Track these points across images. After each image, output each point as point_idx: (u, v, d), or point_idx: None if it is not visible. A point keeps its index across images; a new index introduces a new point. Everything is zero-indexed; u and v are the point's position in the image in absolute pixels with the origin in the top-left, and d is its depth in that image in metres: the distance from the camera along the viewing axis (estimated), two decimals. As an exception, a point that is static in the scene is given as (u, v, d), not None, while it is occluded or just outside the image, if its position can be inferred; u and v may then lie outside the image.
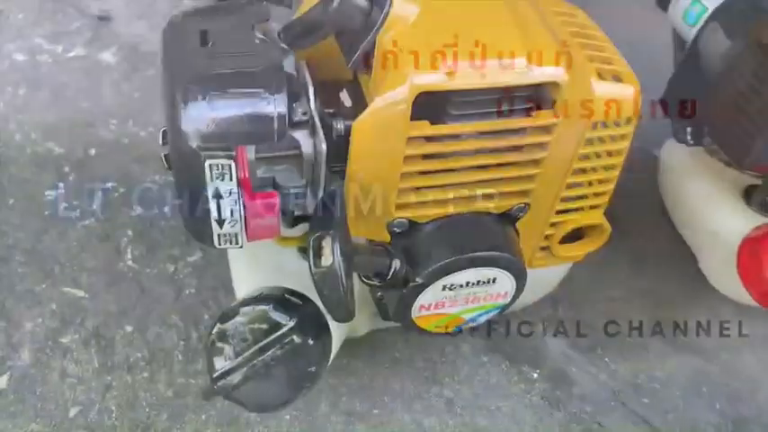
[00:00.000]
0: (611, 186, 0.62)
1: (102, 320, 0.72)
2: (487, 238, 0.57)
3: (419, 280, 0.55)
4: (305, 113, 0.53)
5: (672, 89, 0.73)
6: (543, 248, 0.66)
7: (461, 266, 0.55)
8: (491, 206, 0.57)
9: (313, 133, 0.53)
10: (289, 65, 0.57)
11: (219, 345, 0.53)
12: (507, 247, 0.57)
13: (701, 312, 0.81)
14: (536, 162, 0.56)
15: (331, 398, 0.70)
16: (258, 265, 0.65)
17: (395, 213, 0.55)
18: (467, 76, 0.49)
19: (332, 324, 0.63)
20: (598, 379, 0.75)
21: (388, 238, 0.57)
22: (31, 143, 0.88)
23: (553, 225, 0.64)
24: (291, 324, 0.52)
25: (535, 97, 0.53)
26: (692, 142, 0.72)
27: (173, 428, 0.65)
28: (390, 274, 0.55)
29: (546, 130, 0.54)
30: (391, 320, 0.69)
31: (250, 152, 0.53)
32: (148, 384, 0.68)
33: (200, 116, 0.47)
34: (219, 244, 0.52)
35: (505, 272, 0.58)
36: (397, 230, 0.56)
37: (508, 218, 0.59)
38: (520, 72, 0.50)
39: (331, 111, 0.55)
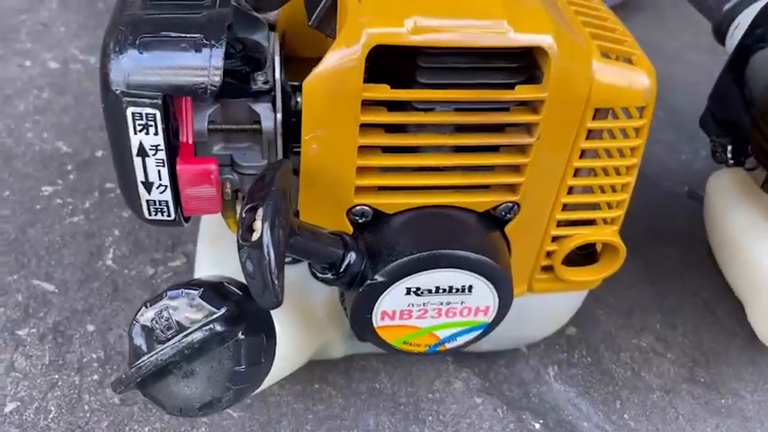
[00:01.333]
0: (624, 196, 0.53)
1: (65, 317, 0.67)
2: (461, 235, 0.49)
3: (378, 278, 0.47)
4: (266, 83, 0.48)
5: (713, 104, 0.64)
6: (545, 269, 0.57)
7: (427, 265, 0.47)
8: (471, 201, 0.49)
9: (275, 107, 0.48)
10: (261, 36, 0.53)
11: (142, 332, 0.47)
12: (486, 250, 0.49)
13: (744, 371, 0.68)
14: (522, 150, 0.48)
15: (293, 424, 0.61)
16: (220, 259, 0.59)
17: (354, 199, 0.48)
18: (435, 33, 0.42)
19: (289, 333, 0.55)
20: (613, 438, 0.63)
21: (350, 228, 0.50)
22: (40, 141, 0.87)
23: (555, 240, 0.55)
24: (219, 313, 0.45)
25: (521, 72, 0.46)
26: (731, 162, 0.62)
27: (110, 437, 0.59)
28: (344, 267, 0.47)
29: (531, 108, 0.46)
30: (366, 340, 0.61)
31: (201, 121, 0.48)
32: (96, 388, 0.62)
33: (129, 62, 0.42)
34: (150, 213, 0.47)
35: (483, 280, 0.49)
36: (360, 220, 0.49)
37: (493, 219, 0.51)
38: (498, 33, 0.43)
39: (297, 83, 0.49)
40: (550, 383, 0.67)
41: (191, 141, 0.46)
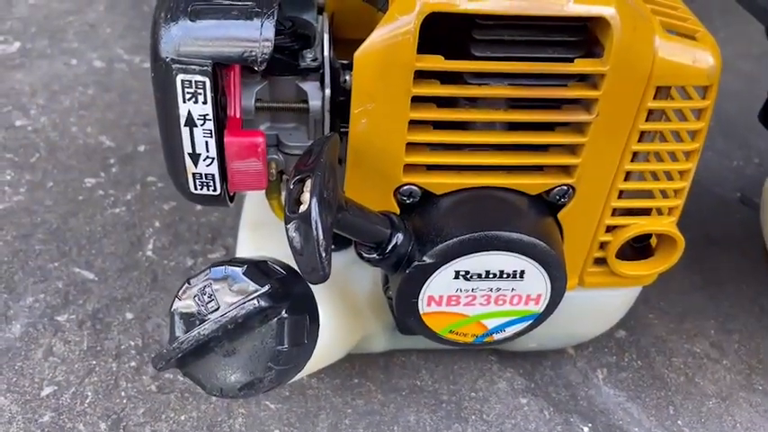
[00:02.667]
0: (684, 184, 0.51)
1: (104, 304, 0.67)
2: (514, 218, 0.47)
3: (426, 259, 0.46)
4: (315, 60, 0.47)
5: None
6: (598, 261, 0.55)
7: (477, 247, 0.45)
8: (523, 182, 0.47)
9: (323, 85, 0.47)
10: (310, 16, 0.52)
11: (184, 309, 0.45)
12: (539, 233, 0.47)
13: (808, 379, 0.65)
14: (579, 129, 0.46)
15: (332, 418, 0.59)
16: (262, 245, 0.58)
17: (402, 177, 0.47)
18: (491, 1, 0.41)
19: (331, 320, 0.54)
20: (667, 445, 0.60)
21: (397, 210, 0.48)
22: (84, 135, 0.88)
23: (610, 230, 0.53)
24: (263, 289, 0.44)
25: (580, 46, 0.44)
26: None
27: (146, 425, 0.57)
28: (390, 247, 0.45)
29: (591, 83, 0.44)
30: (410, 332, 0.59)
31: (249, 98, 0.47)
32: (133, 375, 0.61)
33: (180, 29, 0.41)
34: (195, 187, 0.46)
35: (536, 264, 0.47)
36: (407, 201, 0.48)
37: (547, 203, 0.49)
38: (557, 2, 0.41)
39: (346, 62, 0.48)
40: (599, 387, 0.64)
41: (238, 115, 0.45)
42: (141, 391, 0.60)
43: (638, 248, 0.57)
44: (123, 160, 0.84)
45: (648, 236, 0.55)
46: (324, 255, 0.39)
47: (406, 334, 0.60)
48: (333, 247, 0.58)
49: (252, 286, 0.44)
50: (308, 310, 0.46)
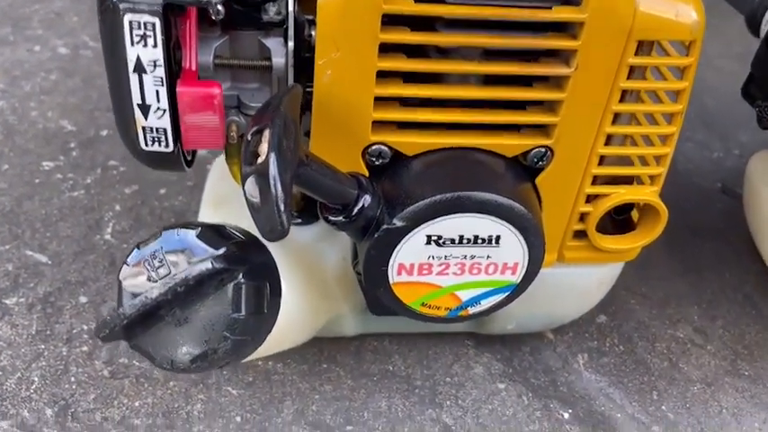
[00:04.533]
0: (667, 150, 0.48)
1: (56, 288, 0.63)
2: (489, 179, 0.44)
3: (396, 222, 0.43)
4: (279, 14, 0.44)
5: (756, 68, 0.59)
6: (578, 235, 0.52)
7: (449, 208, 0.42)
8: (499, 143, 0.45)
9: (286, 39, 0.44)
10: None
11: (133, 275, 0.42)
12: (516, 197, 0.44)
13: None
14: (558, 84, 0.43)
15: (298, 404, 0.56)
16: (225, 219, 0.54)
17: (371, 136, 0.44)
18: (463, -58, 0.39)
19: (296, 295, 0.50)
20: (650, 431, 0.57)
21: (366, 171, 0.45)
22: (44, 120, 0.84)
23: (590, 201, 0.50)
24: (217, 253, 0.40)
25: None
26: (781, 125, 0.57)
27: (96, 411, 0.53)
28: (357, 209, 0.42)
29: (570, 34, 0.42)
30: (381, 311, 0.56)
31: (207, 54, 0.44)
32: (84, 359, 0.57)
33: (130, -34, 0.39)
34: (145, 143, 0.43)
35: (512, 229, 0.44)
36: (377, 162, 0.45)
37: (524, 168, 0.46)
38: (534, -57, 0.39)
39: (311, 17, 0.45)
40: (580, 372, 0.61)
41: (194, 67, 0.42)
42: (93, 376, 0.56)
43: (619, 223, 0.55)
44: (84, 144, 0.81)
45: (630, 207, 0.53)
46: (282, 209, 0.36)
47: (378, 314, 0.57)
48: (299, 220, 0.55)
49: (206, 249, 0.41)
50: (269, 279, 0.43)
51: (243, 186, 0.37)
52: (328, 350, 0.60)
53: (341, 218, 0.43)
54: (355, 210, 0.42)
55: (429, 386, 0.58)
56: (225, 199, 0.57)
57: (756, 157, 0.69)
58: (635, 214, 0.55)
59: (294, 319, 0.51)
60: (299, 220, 0.54)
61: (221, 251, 0.40)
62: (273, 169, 0.35)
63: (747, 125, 0.99)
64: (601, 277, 0.57)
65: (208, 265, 0.39)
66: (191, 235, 0.41)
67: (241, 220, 0.51)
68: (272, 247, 0.48)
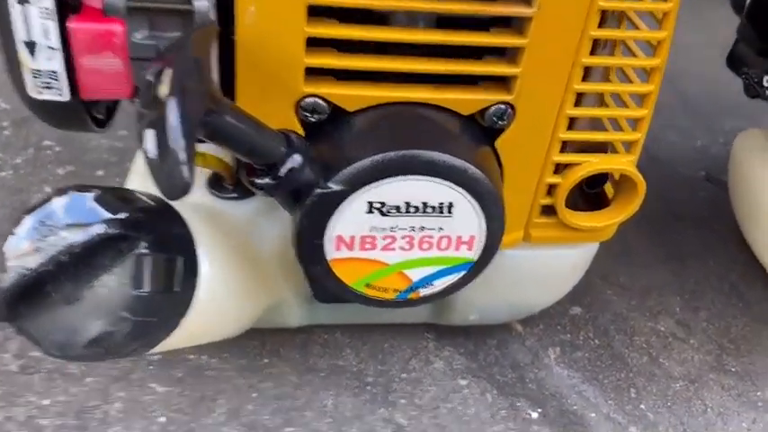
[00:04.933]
0: (645, 112, 0.43)
1: (-31, 274, 0.56)
2: (441, 138, 0.38)
3: (331, 185, 0.37)
4: (200, -51, 0.38)
5: (745, 32, 0.54)
6: (546, 211, 0.46)
7: (395, 169, 0.37)
8: (454, 98, 0.39)
9: (210, -19, 0.38)
10: None
11: (19, 245, 0.36)
12: (471, 159, 0.38)
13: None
14: (519, 27, 0.38)
15: (232, 403, 0.49)
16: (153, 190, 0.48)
17: (304, 87, 0.38)
18: None
19: (225, 275, 0.44)
20: (628, 433, 0.51)
21: (300, 129, 0.39)
22: (-24, 97, 0.78)
23: (559, 171, 0.45)
24: (112, 217, 0.34)
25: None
26: (769, 92, 0.52)
27: (-1, 410, 0.47)
28: (285, 170, 0.36)
29: (531, -35, 0.36)
30: (328, 298, 0.50)
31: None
32: (-8, 352, 0.50)
33: None
34: (36, 90, 0.36)
35: (467, 196, 0.38)
36: (312, 118, 0.39)
37: (481, 128, 0.40)
38: None
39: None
40: (550, 367, 0.55)
41: (98, 5, 0.36)
42: (-1, 371, 0.49)
43: (592, 199, 0.49)
44: (18, 123, 0.74)
45: (602, 180, 0.47)
46: (183, 160, 0.30)
47: (324, 302, 0.51)
48: (234, 195, 0.49)
49: (101, 213, 0.34)
50: (183, 254, 0.37)
51: (139, 134, 0.31)
52: (271, 343, 0.54)
53: (267, 180, 0.37)
54: (283, 170, 0.36)
55: (382, 383, 0.52)
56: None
57: (742, 135, 0.64)
58: (609, 189, 0.49)
59: (225, 305, 0.44)
60: (234, 195, 0.48)
61: (119, 216, 0.34)
62: (174, 114, 0.29)
63: (732, 113, 0.95)
64: (573, 260, 0.51)
65: (99, 229, 0.33)
66: (87, 198, 0.35)
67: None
68: (198, 221, 0.42)
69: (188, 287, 0.38)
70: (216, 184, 0.48)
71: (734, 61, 0.55)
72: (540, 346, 0.57)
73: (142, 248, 0.34)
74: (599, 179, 0.47)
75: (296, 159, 0.36)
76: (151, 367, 0.51)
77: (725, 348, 0.58)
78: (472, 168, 0.37)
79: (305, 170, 0.37)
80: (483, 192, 0.38)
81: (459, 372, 0.53)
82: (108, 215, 0.34)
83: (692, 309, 0.62)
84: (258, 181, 0.37)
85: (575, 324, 0.59)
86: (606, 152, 0.46)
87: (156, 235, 0.35)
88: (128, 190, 0.37)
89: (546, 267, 0.51)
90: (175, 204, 0.39)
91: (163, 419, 0.47)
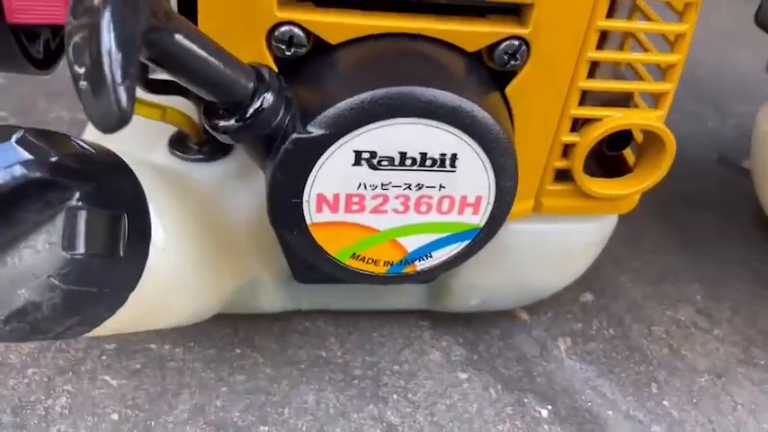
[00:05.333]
0: (677, 58, 0.37)
1: None
2: (442, 74, 0.32)
3: (311, 130, 0.31)
4: None
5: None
6: (560, 176, 0.40)
7: (387, 110, 0.30)
8: (458, 30, 0.33)
9: None
10: None
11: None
12: (479, 99, 0.32)
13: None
14: (536, -58, 0.32)
15: (197, 398, 0.43)
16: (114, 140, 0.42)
17: (278, 12, 0.31)
18: None
19: (191, 252, 0.38)
20: (650, 433, 0.45)
21: (273, 65, 0.33)
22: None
23: (576, 128, 0.39)
24: (41, 159, 0.28)
25: None
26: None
27: None
28: (254, 110, 0.30)
29: None
30: (309, 278, 0.44)
31: None
32: None
33: None
34: (-52, 9, 0.30)
35: (474, 146, 0.32)
36: (288, 53, 0.32)
37: (489, 70, 0.34)
38: None
39: None
40: (561, 360, 0.49)
41: None
42: (-73, 361, 0.42)
43: (609, 164, 0.43)
44: (-31, 94, 0.68)
45: (626, 140, 0.41)
46: (119, 80, 0.23)
47: (306, 282, 0.45)
48: (200, 156, 0.42)
49: (22, 155, 0.28)
50: (130, 212, 0.31)
51: (66, 49, 0.24)
52: (245, 331, 0.47)
53: (231, 122, 0.30)
54: (251, 109, 0.30)
55: (371, 376, 0.46)
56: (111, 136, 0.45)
57: (767, 110, 0.58)
58: (628, 154, 0.43)
59: (185, 282, 0.38)
60: (200, 156, 0.41)
61: (46, 159, 0.28)
62: (108, 24, 0.23)
63: (742, 96, 0.90)
64: (589, 236, 0.45)
65: (18, 172, 0.27)
66: (8, 143, 0.29)
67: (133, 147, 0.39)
68: (155, 180, 0.36)
69: (137, 254, 0.31)
70: (179, 143, 0.42)
71: (763, 19, 0.50)
72: (548, 336, 0.50)
73: (75, 200, 0.28)
74: (621, 139, 0.41)
75: (267, 98, 0.30)
76: (104, 357, 0.44)
77: (752, 340, 0.52)
78: (480, 111, 0.31)
79: (278, 110, 0.30)
80: (493, 140, 0.32)
81: (459, 364, 0.47)
82: (31, 156, 0.27)
83: (713, 297, 0.56)
84: (221, 123, 0.30)
85: (586, 312, 0.53)
86: (629, 107, 0.40)
87: (96, 186, 0.29)
88: (64, 134, 0.31)
89: (559, 244, 0.44)
90: (128, 161, 0.33)
91: (115, 416, 0.41)
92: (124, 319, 0.33)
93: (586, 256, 0.47)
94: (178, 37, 0.27)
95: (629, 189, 0.41)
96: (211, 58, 0.28)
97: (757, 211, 0.63)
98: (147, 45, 0.26)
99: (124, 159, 0.32)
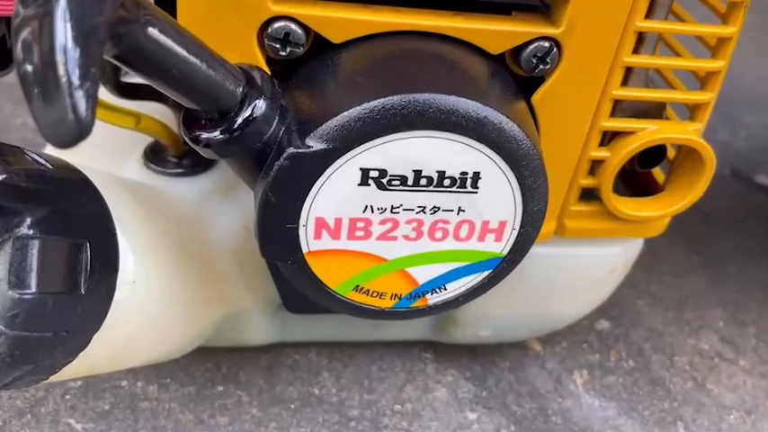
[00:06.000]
0: (720, 65, 0.33)
1: None
2: (462, 80, 0.28)
3: (311, 143, 0.26)
4: None
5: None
6: (585, 195, 0.36)
7: (400, 120, 0.26)
8: (480, 29, 0.29)
9: None
10: None
11: None
12: (506, 109, 0.27)
13: None
14: (574, -72, 0.27)
15: (174, 444, 0.38)
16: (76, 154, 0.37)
17: (272, 5, 0.27)
18: None
19: (167, 281, 0.33)
20: (679, 479, 0.41)
21: (266, 67, 0.28)
22: None
23: (605, 143, 0.34)
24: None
25: None
26: None
27: None
28: (243, 120, 0.25)
29: None
30: (302, 308, 0.39)
31: None
32: None
33: None
34: None
35: (500, 162, 0.27)
36: (283, 52, 0.28)
37: (515, 76, 0.30)
38: None
39: None
40: (578, 396, 0.44)
41: None
42: None
43: (638, 183, 0.39)
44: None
45: (659, 156, 0.37)
46: (77, 82, 0.19)
47: (298, 312, 0.40)
48: (179, 170, 0.38)
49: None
50: (94, 240, 0.26)
51: (13, 46, 0.20)
52: (228, 365, 0.42)
53: (217, 133, 0.25)
54: (239, 119, 0.25)
55: (370, 417, 0.41)
56: (88, 140, 0.40)
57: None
58: (657, 173, 0.39)
59: (161, 317, 0.33)
60: (180, 170, 0.37)
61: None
62: (62, 13, 0.18)
63: (751, 106, 0.86)
64: (612, 261, 0.41)
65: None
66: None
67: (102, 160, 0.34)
68: (126, 200, 0.31)
69: (102, 289, 0.26)
70: (155, 155, 0.37)
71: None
72: (563, 368, 0.46)
73: (26, 227, 0.23)
74: (655, 154, 0.36)
75: (259, 106, 0.25)
76: (68, 397, 0.39)
77: (780, 371, 0.49)
78: (509, 123, 0.27)
79: (271, 121, 0.26)
80: (523, 156, 0.27)
81: (467, 402, 0.43)
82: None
83: (737, 323, 0.52)
84: (203, 135, 0.26)
85: (603, 342, 0.49)
86: (663, 117, 0.36)
87: (51, 210, 0.24)
88: (15, 147, 0.26)
89: (580, 270, 0.40)
90: (94, 177, 0.28)
91: (78, 468, 0.36)
92: (88, 363, 0.28)
93: (609, 283, 0.42)
94: (151, 31, 0.22)
95: (661, 210, 0.37)
96: (192, 58, 0.24)
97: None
98: (113, 40, 0.21)
99: (87, 175, 0.27)
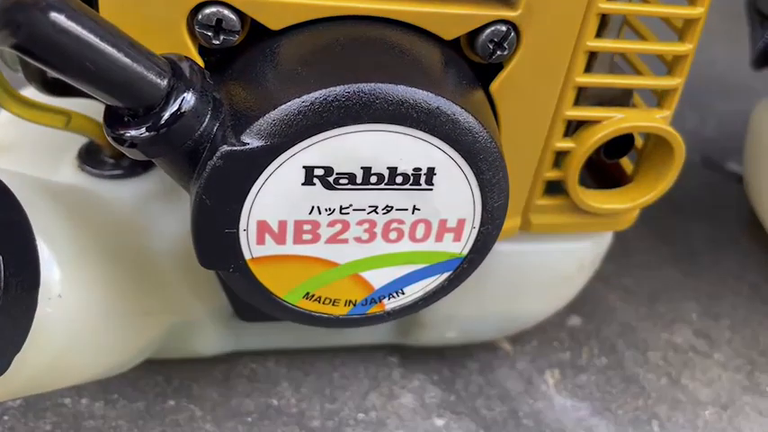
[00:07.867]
0: (688, 48, 0.31)
1: None
2: (413, 68, 0.26)
3: (247, 140, 0.24)
4: None
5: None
6: (551, 189, 0.34)
7: (346, 113, 0.24)
8: (432, 12, 0.26)
9: None
10: None
11: None
12: (461, 99, 0.25)
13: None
14: None
15: (121, 466, 0.35)
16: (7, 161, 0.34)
17: (203, -12, 0.25)
18: None
19: (104, 291, 0.30)
20: (655, 480, 0.39)
21: (200, 60, 0.26)
22: None
23: (569, 133, 0.32)
24: None
25: None
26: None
27: None
28: (170, 114, 0.23)
29: None
30: (254, 316, 0.37)
31: None
32: None
33: None
34: None
35: (456, 156, 0.25)
36: (216, 41, 0.25)
37: (470, 62, 0.28)
38: None
39: None
40: (550, 396, 0.43)
41: None
42: None
43: (603, 175, 0.37)
44: None
45: (627, 146, 0.35)
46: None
47: (251, 321, 0.37)
48: (118, 171, 0.35)
49: None
50: (12, 252, 0.23)
51: None
52: (180, 378, 0.40)
53: (143, 131, 0.23)
54: (166, 114, 0.23)
55: (332, 427, 0.39)
56: (13, 145, 0.37)
57: (764, 105, 0.53)
58: (625, 164, 0.38)
59: (97, 333, 0.30)
60: (117, 171, 0.34)
61: None
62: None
63: (722, 95, 0.86)
64: (581, 257, 0.39)
65: None
66: None
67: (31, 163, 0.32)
68: (52, 207, 0.29)
69: (20, 306, 0.24)
70: (90, 156, 0.34)
71: (757, 9, 0.45)
72: (534, 368, 0.44)
73: None
74: (622, 144, 0.35)
75: (187, 98, 0.23)
76: (6, 417, 0.36)
77: (756, 363, 0.47)
78: (464, 114, 0.25)
79: (203, 116, 0.23)
80: (480, 150, 0.25)
81: (434, 407, 0.41)
82: None
83: (710, 315, 0.51)
84: (128, 133, 0.23)
85: (575, 339, 0.47)
86: (630, 105, 0.34)
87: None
88: None
89: (548, 266, 0.38)
90: (10, 181, 0.25)
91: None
92: (12, 387, 0.26)
93: (578, 279, 0.40)
94: (55, 17, 0.20)
95: (630, 202, 0.35)
96: (107, 47, 0.21)
97: (747, 218, 0.58)
98: (9, 28, 0.19)
99: (2, 181, 0.25)
